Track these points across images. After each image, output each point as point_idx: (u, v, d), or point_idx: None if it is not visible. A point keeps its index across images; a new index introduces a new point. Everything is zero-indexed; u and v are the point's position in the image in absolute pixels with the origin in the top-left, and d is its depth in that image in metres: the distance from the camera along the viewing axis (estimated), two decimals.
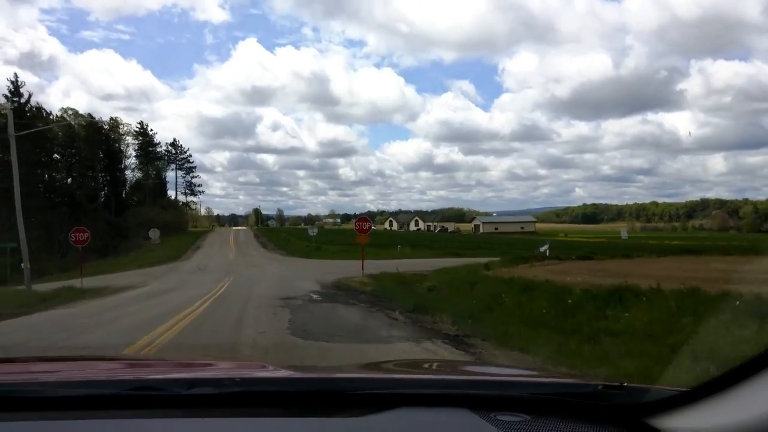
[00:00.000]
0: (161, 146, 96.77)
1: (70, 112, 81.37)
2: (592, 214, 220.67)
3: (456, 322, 9.96)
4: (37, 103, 73.52)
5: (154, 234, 47.75)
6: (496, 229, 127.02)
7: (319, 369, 2.52)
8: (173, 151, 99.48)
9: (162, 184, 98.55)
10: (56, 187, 70.34)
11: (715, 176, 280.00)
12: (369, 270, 25.77)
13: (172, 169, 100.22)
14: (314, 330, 9.55)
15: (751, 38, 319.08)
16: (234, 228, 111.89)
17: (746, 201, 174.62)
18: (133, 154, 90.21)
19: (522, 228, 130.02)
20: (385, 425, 1.22)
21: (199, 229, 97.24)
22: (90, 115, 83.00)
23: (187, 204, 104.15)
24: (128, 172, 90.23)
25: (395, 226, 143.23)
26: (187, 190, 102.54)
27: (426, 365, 2.58)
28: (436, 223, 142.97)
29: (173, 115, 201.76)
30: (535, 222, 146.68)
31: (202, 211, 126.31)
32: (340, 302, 14.86)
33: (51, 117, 76.13)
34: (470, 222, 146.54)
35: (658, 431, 1.13)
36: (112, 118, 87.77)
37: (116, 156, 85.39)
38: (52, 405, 1.32)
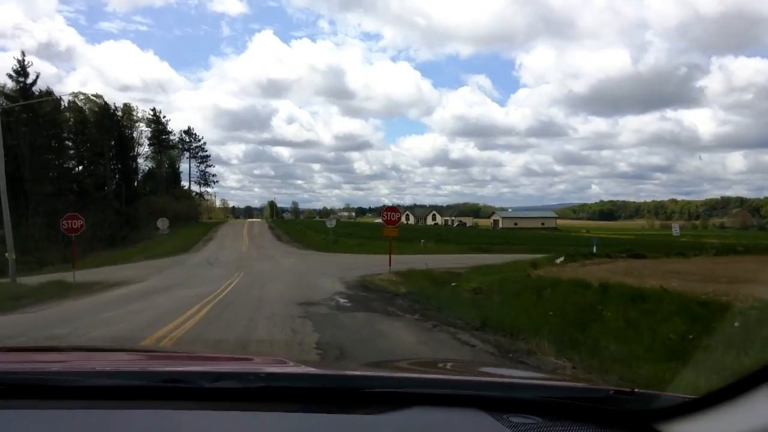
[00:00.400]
0: (175, 135, 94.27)
1: (81, 97, 78.86)
2: (609, 210, 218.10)
3: (562, 352, 6.73)
4: (47, 87, 71.37)
5: (162, 224, 44.87)
6: (515, 224, 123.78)
7: (337, 366, 2.72)
8: (187, 140, 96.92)
9: (176, 174, 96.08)
10: (63, 173, 67.90)
11: (734, 174, 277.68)
12: (395, 266, 22.67)
13: (186, 158, 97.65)
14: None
15: None
16: (248, 220, 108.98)
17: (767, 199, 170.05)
18: (146, 142, 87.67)
19: (543, 224, 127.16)
20: (400, 423, 1.24)
21: (212, 221, 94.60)
22: (100, 96, 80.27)
23: (200, 194, 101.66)
24: (141, 161, 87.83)
25: (412, 220, 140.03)
26: (201, 180, 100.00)
27: (440, 365, 2.54)
28: (453, 218, 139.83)
29: (189, 107, 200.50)
30: (556, 218, 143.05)
31: (217, 203, 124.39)
32: (377, 311, 11.67)
33: (61, 101, 74.51)
34: (488, 217, 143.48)
35: None
36: (125, 104, 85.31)
37: (128, 143, 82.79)
38: (80, 394, 1.34)
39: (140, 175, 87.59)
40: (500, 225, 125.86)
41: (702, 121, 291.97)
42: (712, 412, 1.00)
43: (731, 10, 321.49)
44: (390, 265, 23.23)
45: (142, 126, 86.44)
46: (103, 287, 19.46)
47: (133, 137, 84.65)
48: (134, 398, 1.33)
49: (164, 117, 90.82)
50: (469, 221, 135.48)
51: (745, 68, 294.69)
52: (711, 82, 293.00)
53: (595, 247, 28.27)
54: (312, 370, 1.72)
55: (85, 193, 62.27)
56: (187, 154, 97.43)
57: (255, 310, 11.57)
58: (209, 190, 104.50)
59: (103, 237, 56.70)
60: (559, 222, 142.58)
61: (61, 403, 1.31)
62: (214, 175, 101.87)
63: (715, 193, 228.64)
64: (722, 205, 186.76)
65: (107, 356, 2.23)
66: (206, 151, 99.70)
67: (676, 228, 44.34)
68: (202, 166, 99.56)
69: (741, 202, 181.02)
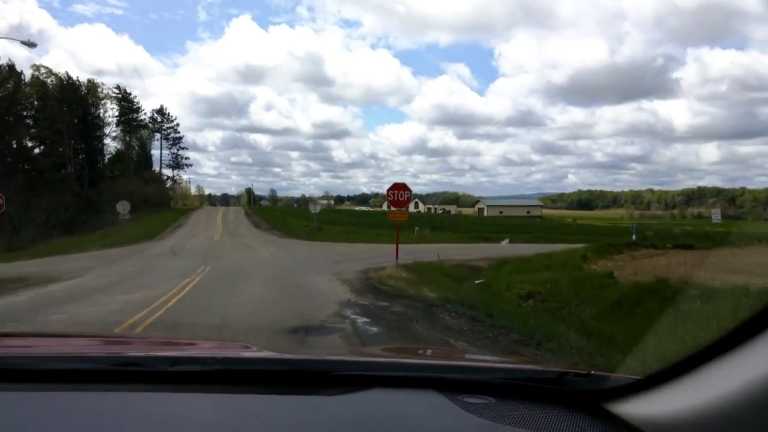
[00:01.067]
0: (146, 114, 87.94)
1: (42, 70, 72.29)
2: (587, 200, 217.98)
3: None
4: (9, 60, 64.87)
5: (123, 207, 39.50)
6: (501, 212, 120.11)
7: (299, 352, 2.68)
8: (159, 120, 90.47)
9: (147, 157, 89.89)
10: (19, 152, 61.65)
11: (708, 165, 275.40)
12: (393, 257, 18.39)
13: (157, 140, 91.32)
14: None
15: (748, 27, 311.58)
16: (224, 207, 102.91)
17: (744, 190, 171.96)
18: (114, 121, 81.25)
19: (528, 212, 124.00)
20: (360, 403, 1.28)
21: (186, 207, 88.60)
22: (67, 74, 73.72)
23: (173, 179, 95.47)
24: (108, 141, 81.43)
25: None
26: (173, 164, 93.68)
27: (405, 351, 2.58)
28: (437, 206, 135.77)
29: (165, 93, 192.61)
30: (541, 206, 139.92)
31: (193, 190, 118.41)
32: (429, 341, 6.81)
33: (23, 77, 68.03)
34: (472, 206, 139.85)
35: (613, 415, 1.16)
36: (89, 80, 78.57)
37: (93, 122, 76.33)
38: (42, 377, 1.36)
39: (107, 157, 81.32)
40: (485, 213, 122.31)
41: (677, 112, 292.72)
42: (655, 391, 1.03)
43: (707, 2, 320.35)
44: (397, 257, 18.51)
45: (110, 104, 79.98)
46: (20, 286, 14.35)
47: (98, 116, 78.14)
48: (94, 381, 1.34)
49: (133, 96, 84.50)
50: (452, 209, 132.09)
51: (720, 60, 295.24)
52: (686, 74, 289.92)
53: (634, 235, 23.75)
54: (273, 355, 1.71)
55: (39, 173, 56.19)
56: (158, 136, 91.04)
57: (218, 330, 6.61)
58: (183, 175, 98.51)
59: (60, 222, 51.07)
60: (544, 211, 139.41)
61: (20, 386, 1.31)
62: (187, 158, 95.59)
63: (690, 183, 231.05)
64: (698, 195, 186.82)
65: (66, 341, 2.23)
66: (179, 132, 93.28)
67: (717, 214, 40.19)
68: (175, 149, 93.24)
69: (717, 192, 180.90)
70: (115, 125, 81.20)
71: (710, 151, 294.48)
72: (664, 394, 1.00)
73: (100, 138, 78.50)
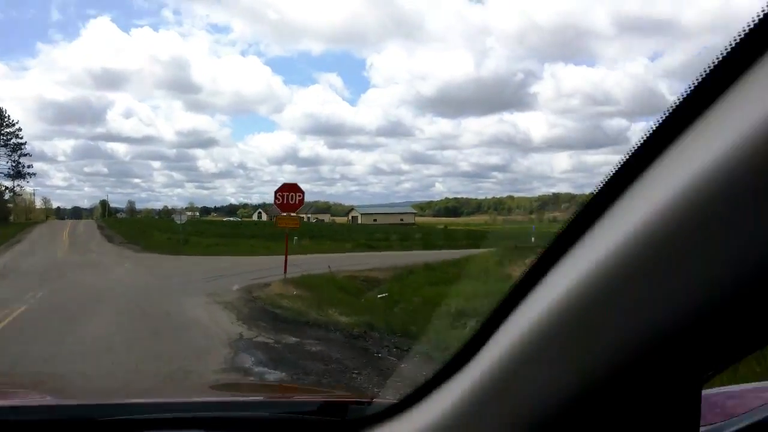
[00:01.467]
0: None
1: None
2: (453, 207, 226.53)
3: None
4: None
5: None
6: (375, 220, 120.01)
7: (92, 390, 2.24)
8: None
9: None
10: None
11: (560, 173, 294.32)
12: (279, 270, 15.82)
13: None
14: None
15: (598, 46, 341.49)
16: (74, 220, 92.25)
17: (591, 195, 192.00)
18: None
19: (402, 220, 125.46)
20: None
21: (29, 221, 78.09)
22: None
23: (12, 190, 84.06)
24: None
25: (264, 218, 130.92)
26: (12, 172, 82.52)
27: (246, 384, 2.80)
28: (310, 215, 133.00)
29: (10, 98, 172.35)
30: (414, 214, 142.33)
31: (38, 203, 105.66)
32: None
33: None
34: (345, 215, 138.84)
35: None
36: None
37: None
38: None
39: None
40: (360, 221, 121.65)
41: (534, 124, 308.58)
42: (405, 414, 1.04)
43: (564, 21, 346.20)
44: (286, 270, 15.63)
45: None
46: None
47: None
48: None
49: None
50: (325, 218, 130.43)
51: (573, 76, 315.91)
52: (543, 88, 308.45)
53: (533, 238, 22.61)
54: (36, 402, 1.68)
55: None
56: None
57: None
58: (26, 186, 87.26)
59: None
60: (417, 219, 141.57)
61: None
62: (30, 166, 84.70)
63: (544, 190, 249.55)
64: (553, 201, 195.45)
65: None
66: (21, 137, 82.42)
67: None
68: (15, 156, 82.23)
69: (570, 197, 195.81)
70: None
71: (563, 160, 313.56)
72: (411, 417, 1.01)
73: None
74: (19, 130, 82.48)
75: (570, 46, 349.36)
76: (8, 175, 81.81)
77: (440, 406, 0.90)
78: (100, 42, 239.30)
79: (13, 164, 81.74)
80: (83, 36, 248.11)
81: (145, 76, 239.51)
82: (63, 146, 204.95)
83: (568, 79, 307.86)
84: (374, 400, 1.34)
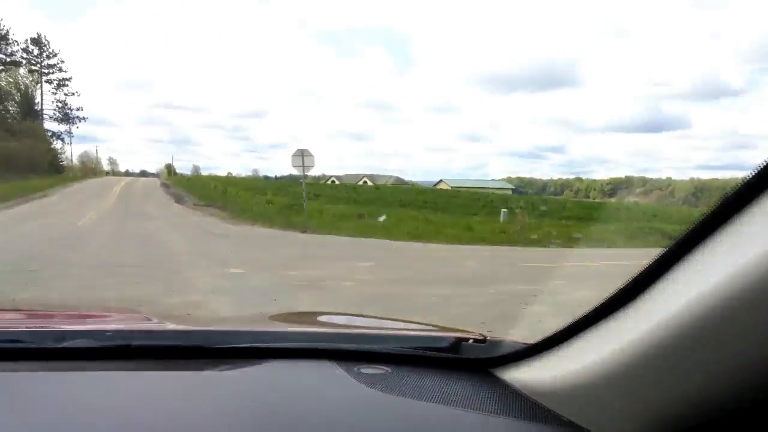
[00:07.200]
0: (18, 45, 63.01)
1: None
2: (517, 187, 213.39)
3: None
4: None
5: None
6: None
7: (200, 322, 2.34)
8: (36, 53, 65.46)
9: (29, 106, 65.02)
10: None
11: (620, 156, 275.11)
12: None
13: (35, 81, 66.20)
14: None
15: (658, 22, 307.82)
16: (133, 178, 77.84)
17: (669, 180, 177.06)
18: None
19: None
20: (255, 376, 1.26)
21: (78, 176, 64.32)
22: None
23: (59, 136, 70.58)
24: None
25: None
26: (59, 114, 68.90)
27: (297, 318, 2.39)
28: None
29: (73, 61, 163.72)
30: (512, 189, 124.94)
31: (105, 165, 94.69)
32: None
33: None
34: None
35: (501, 381, 1.20)
36: None
37: None
38: None
39: None
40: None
41: (590, 104, 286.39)
42: (545, 356, 1.06)
43: None
44: None
45: None
46: None
47: None
48: None
49: None
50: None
51: (629, 54, 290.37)
52: (597, 67, 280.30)
53: None
54: (165, 327, 1.67)
55: None
56: (35, 77, 66.04)
57: None
58: (75, 129, 73.85)
59: None
60: None
61: None
62: (79, 109, 70.82)
63: (604, 174, 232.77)
64: (626, 184, 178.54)
65: None
66: (65, 71, 68.43)
67: None
68: (60, 94, 68.45)
69: (644, 181, 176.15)
70: None
71: (621, 143, 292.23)
72: (548, 361, 1.04)
73: None
74: (62, 62, 68.44)
75: (625, 21, 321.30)
76: (54, 119, 68.02)
77: (588, 353, 0.91)
78: (157, 8, 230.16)
79: (59, 105, 67.82)
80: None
81: (199, 43, 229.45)
82: (128, 112, 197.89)
83: (624, 58, 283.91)
84: (487, 338, 1.34)
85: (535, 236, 16.79)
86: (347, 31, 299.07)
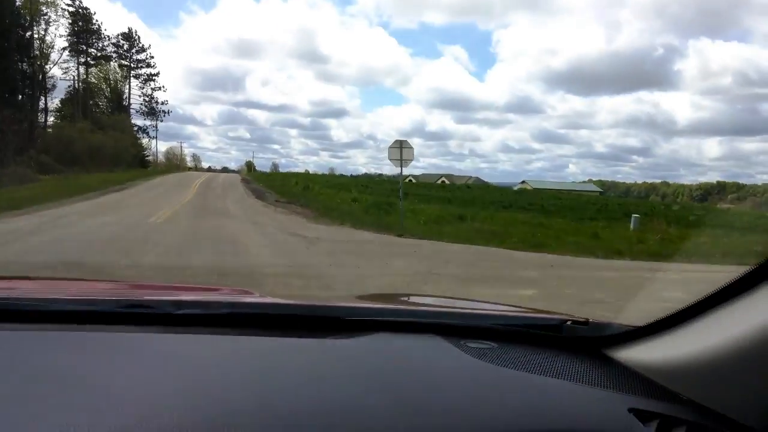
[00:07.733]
0: (110, 39, 64.03)
1: None
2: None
3: None
4: None
5: None
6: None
7: (303, 297, 2.53)
8: (126, 46, 66.37)
9: (119, 100, 66.21)
10: None
11: (709, 160, 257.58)
12: None
13: (124, 76, 67.18)
14: None
15: (751, 19, 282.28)
16: (213, 173, 78.18)
17: (766, 187, 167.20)
18: (62, 43, 57.27)
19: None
20: (364, 346, 1.29)
21: (161, 169, 64.85)
22: None
23: (144, 129, 71.53)
24: (57, 72, 57.62)
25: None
26: (145, 108, 69.73)
27: (402, 298, 2.46)
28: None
29: (162, 64, 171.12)
30: (600, 192, 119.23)
31: (189, 161, 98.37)
32: None
33: None
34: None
35: (611, 359, 1.20)
36: None
37: (22, 41, 52.16)
38: (51, 318, 1.33)
39: (48, 90, 57.31)
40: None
41: (678, 106, 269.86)
42: (654, 339, 1.07)
43: None
44: None
45: (52, 15, 55.75)
46: None
47: (33, 34, 54.04)
48: (102, 322, 1.32)
49: (90, 12, 60.45)
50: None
51: (722, 53, 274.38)
52: (687, 66, 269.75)
53: None
54: (279, 300, 1.75)
55: None
56: (120, 70, 66.98)
57: None
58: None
59: None
60: None
61: (30, 326, 1.29)
62: (164, 103, 71.53)
63: (692, 179, 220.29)
64: (718, 189, 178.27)
65: (72, 285, 2.20)
66: (154, 66, 69.15)
67: None
68: (147, 89, 69.24)
69: (738, 187, 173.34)
70: (67, 50, 57.48)
71: (712, 147, 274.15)
72: (662, 342, 1.04)
73: (35, 62, 54.42)
74: (152, 57, 69.01)
75: (717, 18, 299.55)
76: (141, 113, 68.82)
77: (700, 338, 0.92)
78: (234, 12, 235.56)
79: (146, 99, 68.52)
80: (218, 7, 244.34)
81: (277, 46, 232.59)
82: (210, 111, 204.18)
83: (716, 56, 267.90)
84: (590, 320, 1.33)
85: (694, 250, 13.41)
86: (426, 30, 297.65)
